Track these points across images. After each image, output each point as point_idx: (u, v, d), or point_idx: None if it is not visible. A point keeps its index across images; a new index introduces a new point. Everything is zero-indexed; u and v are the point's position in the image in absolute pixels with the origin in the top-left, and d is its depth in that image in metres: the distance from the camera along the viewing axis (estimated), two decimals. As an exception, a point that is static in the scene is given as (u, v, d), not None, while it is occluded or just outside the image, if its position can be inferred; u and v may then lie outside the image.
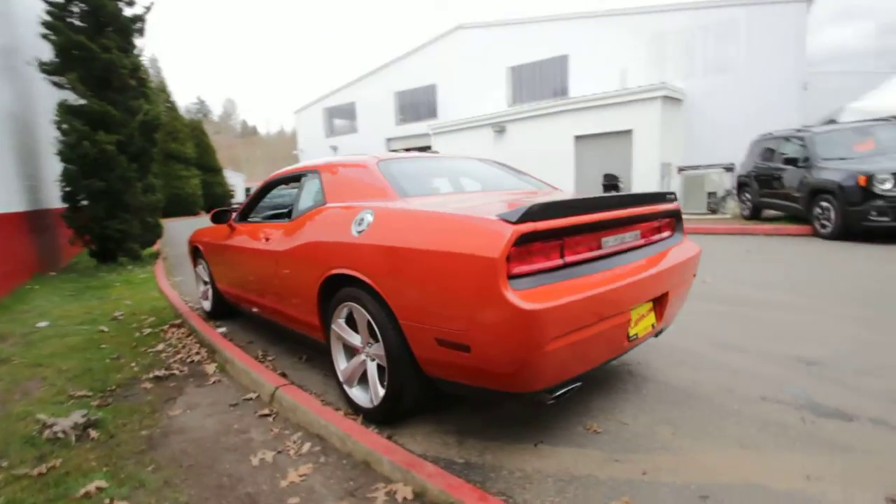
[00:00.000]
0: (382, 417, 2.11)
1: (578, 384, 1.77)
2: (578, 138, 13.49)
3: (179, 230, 13.57)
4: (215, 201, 25.16)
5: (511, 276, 1.54)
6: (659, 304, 2.11)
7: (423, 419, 2.15)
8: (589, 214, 1.77)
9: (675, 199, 2.36)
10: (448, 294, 1.66)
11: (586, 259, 1.79)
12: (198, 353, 3.19)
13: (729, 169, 11.12)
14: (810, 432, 1.90)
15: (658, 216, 2.24)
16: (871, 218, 5.66)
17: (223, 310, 4.08)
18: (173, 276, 6.46)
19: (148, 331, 3.78)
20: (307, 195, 2.81)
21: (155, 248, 9.25)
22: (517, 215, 1.57)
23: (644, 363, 2.67)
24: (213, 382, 2.71)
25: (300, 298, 2.54)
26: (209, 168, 26.83)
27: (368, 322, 2.08)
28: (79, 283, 6.05)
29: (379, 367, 2.11)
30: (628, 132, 12.50)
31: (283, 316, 2.84)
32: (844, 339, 2.86)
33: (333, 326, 2.31)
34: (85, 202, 6.95)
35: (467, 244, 1.60)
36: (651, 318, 2.07)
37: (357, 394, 2.26)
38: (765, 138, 8.42)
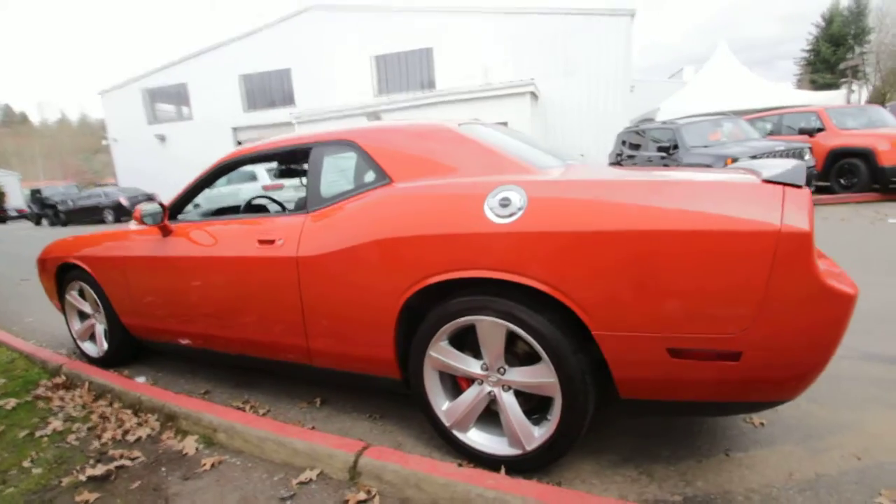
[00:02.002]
0: (537, 465, 1.57)
1: None
2: (456, 130, 13.66)
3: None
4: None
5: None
6: None
7: (568, 456, 1.67)
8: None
9: None
10: (711, 288, 1.24)
11: None
12: (141, 425, 2.06)
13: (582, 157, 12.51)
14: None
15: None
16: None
17: (124, 352, 2.82)
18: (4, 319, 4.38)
19: (11, 403, 2.34)
20: (336, 175, 2.02)
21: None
22: (793, 178, 1.25)
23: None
24: (213, 466, 1.73)
25: (357, 321, 1.78)
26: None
27: (509, 340, 1.52)
28: None
29: (518, 397, 1.57)
30: (504, 124, 13.08)
31: (284, 348, 2.01)
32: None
33: (432, 353, 1.65)
34: None
35: (751, 217, 1.21)
36: None
37: (478, 439, 1.66)
38: (631, 130, 9.60)
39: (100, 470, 1.72)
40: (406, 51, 16.97)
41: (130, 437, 1.96)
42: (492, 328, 1.53)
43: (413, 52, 16.96)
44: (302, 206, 2.00)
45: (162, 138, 20.45)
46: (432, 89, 16.32)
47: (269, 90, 19.06)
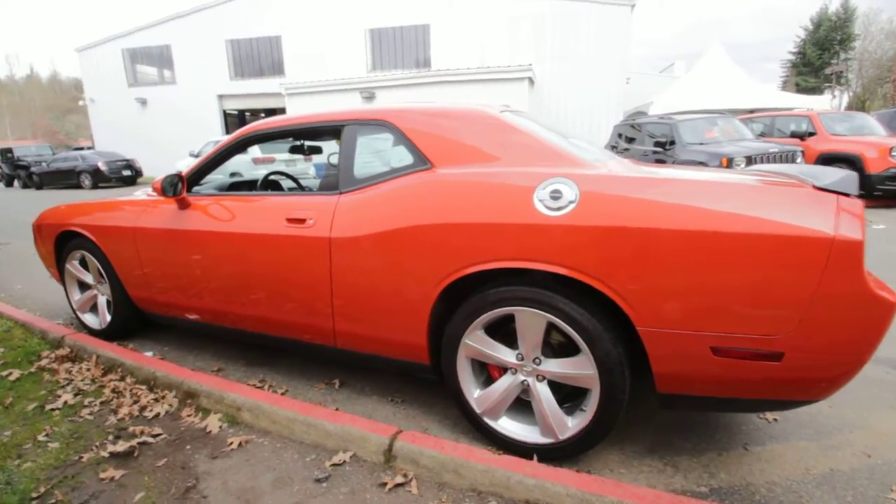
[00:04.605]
0: (569, 454, 1.61)
1: None
2: (452, 111, 13.50)
3: None
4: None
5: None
6: None
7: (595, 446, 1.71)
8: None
9: None
10: (760, 291, 1.27)
11: None
12: (158, 401, 2.02)
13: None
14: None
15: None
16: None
17: (129, 325, 2.75)
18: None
19: (15, 374, 2.27)
20: (370, 155, 1.97)
21: None
22: (845, 187, 1.29)
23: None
24: (240, 445, 1.72)
25: (390, 306, 1.77)
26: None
27: (549, 331, 1.54)
28: None
29: (551, 386, 1.60)
30: (499, 109, 12.99)
31: (307, 328, 2.00)
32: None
33: (468, 341, 1.66)
34: None
35: (806, 224, 1.23)
36: None
37: (510, 427, 1.69)
38: (627, 122, 9.65)
39: (121, 446, 1.69)
40: (403, 26, 16.56)
41: (148, 414, 1.92)
42: (532, 319, 1.55)
43: (409, 28, 16.56)
44: (333, 186, 1.95)
45: (143, 102, 19.62)
46: (428, 68, 16.01)
47: (257, 58, 18.41)
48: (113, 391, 2.10)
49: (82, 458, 1.67)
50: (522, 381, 1.63)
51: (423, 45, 16.59)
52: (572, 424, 1.57)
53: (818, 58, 35.06)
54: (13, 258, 5.02)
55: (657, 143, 8.14)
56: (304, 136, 2.25)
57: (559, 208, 1.46)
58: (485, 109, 1.84)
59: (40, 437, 1.78)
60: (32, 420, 1.92)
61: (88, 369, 2.30)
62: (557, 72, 15.34)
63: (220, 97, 18.96)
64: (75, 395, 2.09)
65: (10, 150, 18.49)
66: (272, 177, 2.73)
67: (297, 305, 2.02)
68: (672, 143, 7.90)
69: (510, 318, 1.61)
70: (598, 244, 1.41)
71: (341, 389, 2.18)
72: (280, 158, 10.07)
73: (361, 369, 2.32)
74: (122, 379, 2.19)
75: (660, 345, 1.41)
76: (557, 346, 1.62)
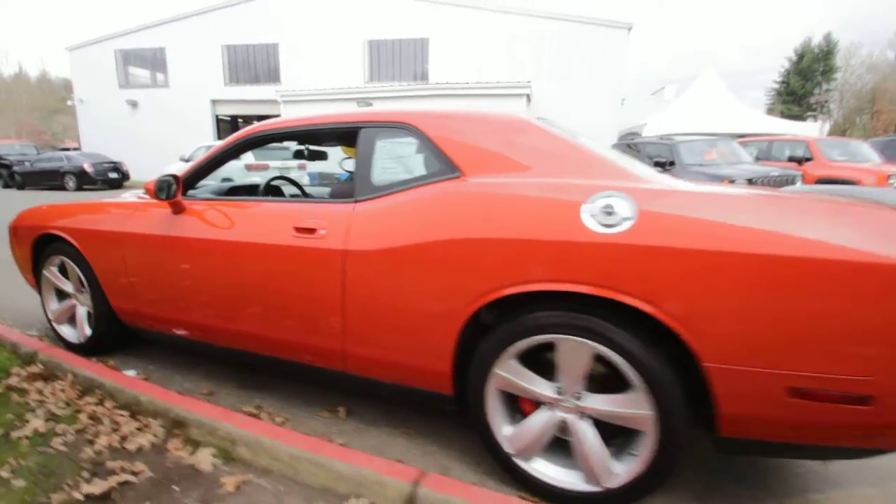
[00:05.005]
0: (617, 503, 1.42)
1: None
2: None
3: None
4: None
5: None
6: None
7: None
8: None
9: None
10: (846, 324, 1.12)
11: None
12: (142, 430, 1.78)
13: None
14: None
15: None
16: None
17: (110, 339, 2.51)
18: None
19: (-21, 394, 2.01)
20: (389, 161, 1.80)
21: None
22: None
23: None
24: (237, 487, 1.50)
25: (412, 328, 1.58)
26: None
27: (592, 362, 1.37)
28: None
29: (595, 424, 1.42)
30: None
31: (312, 349, 1.80)
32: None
33: (499, 371, 1.48)
34: None
35: None
36: None
37: (545, 470, 1.49)
38: (625, 143, 9.65)
39: (98, 486, 1.45)
40: (402, 39, 16.58)
41: (130, 446, 1.69)
42: (576, 348, 1.37)
43: (409, 41, 16.59)
44: (347, 194, 1.77)
45: (134, 104, 19.26)
46: (425, 81, 16.01)
47: (253, 64, 18.24)
48: (90, 417, 1.86)
49: (51, 499, 1.43)
50: (562, 419, 1.45)
51: (422, 59, 16.62)
52: (620, 471, 1.38)
53: (801, 87, 36.11)
54: (-13, 261, 4.70)
55: (657, 164, 8.10)
56: (315, 139, 2.08)
57: (612, 225, 1.30)
58: (518, 115, 1.69)
59: (3, 473, 1.54)
60: (5, 448, 1.67)
61: (63, 390, 2.05)
62: (555, 91, 15.44)
63: (214, 102, 18.70)
64: (46, 420, 1.84)
65: (-9, 149, 17.91)
66: (276, 182, 2.54)
67: (301, 324, 1.82)
68: (672, 163, 7.88)
69: (546, 347, 1.44)
70: (659, 268, 1.24)
71: (348, 419, 1.96)
72: (273, 165, 9.85)
73: (367, 394, 2.12)
74: (101, 403, 1.95)
75: (728, 383, 1.24)
76: (603, 381, 1.44)
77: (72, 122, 21.67)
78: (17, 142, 20.70)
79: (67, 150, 19.30)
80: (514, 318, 1.44)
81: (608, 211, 1.32)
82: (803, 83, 36.40)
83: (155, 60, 19.30)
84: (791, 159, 8.18)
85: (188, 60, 18.50)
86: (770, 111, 38.00)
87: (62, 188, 14.53)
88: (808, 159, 8.08)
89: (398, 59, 16.92)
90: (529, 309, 1.42)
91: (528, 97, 13.63)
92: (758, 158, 9.20)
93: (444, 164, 1.63)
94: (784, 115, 34.02)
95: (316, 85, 15.81)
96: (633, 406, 1.33)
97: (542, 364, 1.47)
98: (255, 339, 1.96)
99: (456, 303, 1.49)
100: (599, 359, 1.36)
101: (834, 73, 36.38)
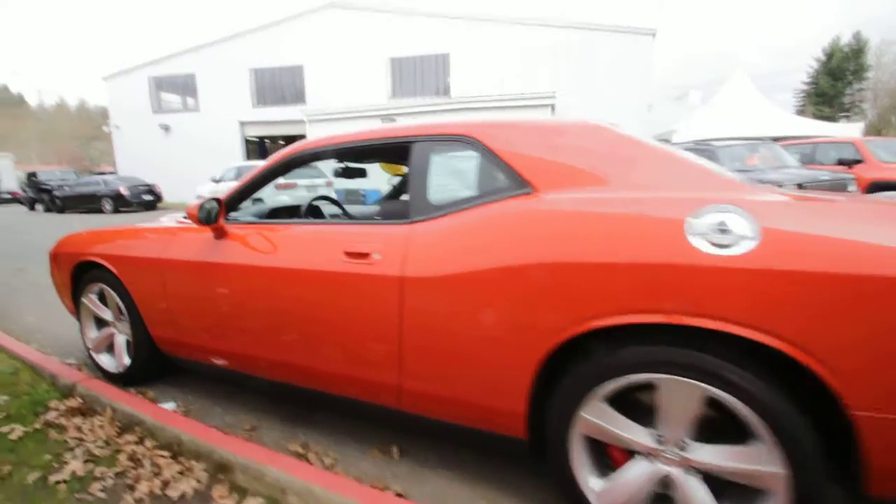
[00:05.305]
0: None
1: None
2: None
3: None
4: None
5: None
6: None
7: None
8: None
9: None
10: None
11: None
12: (184, 474, 1.65)
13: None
14: None
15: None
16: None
17: (149, 368, 2.41)
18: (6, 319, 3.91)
19: (17, 431, 1.92)
20: (448, 178, 1.65)
21: None
22: None
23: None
24: (289, 545, 1.34)
25: (482, 363, 1.41)
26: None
27: (701, 406, 1.16)
28: None
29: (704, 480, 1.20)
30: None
31: (365, 384, 1.64)
32: None
33: (586, 414, 1.29)
34: None
35: None
36: None
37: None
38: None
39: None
40: (423, 55, 16.72)
41: (173, 493, 1.55)
42: (682, 390, 1.17)
43: (430, 57, 16.71)
44: (401, 214, 1.63)
45: (166, 128, 19.92)
46: (447, 96, 16.05)
47: (279, 86, 18.67)
48: (130, 458, 1.74)
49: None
50: (664, 472, 1.24)
51: (443, 74, 16.70)
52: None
53: (832, 87, 34.90)
54: (28, 285, 4.77)
55: (695, 170, 7.81)
56: (363, 155, 1.96)
57: (727, 245, 1.11)
58: (597, 121, 1.52)
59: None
60: (32, 497, 1.56)
61: (102, 426, 1.94)
62: (578, 101, 15.22)
63: (242, 124, 19.18)
64: (85, 461, 1.73)
65: (34, 174, 18.76)
66: (317, 202, 2.42)
67: (352, 356, 1.67)
68: (711, 170, 7.56)
69: (641, 388, 1.24)
70: (792, 296, 1.04)
71: (402, 459, 1.79)
72: (301, 184, 9.89)
73: (420, 432, 1.94)
74: (141, 441, 1.83)
75: (881, 435, 1.02)
76: (715, 429, 1.23)
77: (108, 148, 22.58)
78: (59, 168, 21.69)
79: (104, 174, 20.05)
80: (606, 355, 1.25)
81: (722, 229, 1.12)
82: (833, 83, 35.19)
83: (186, 86, 19.98)
84: (840, 162, 7.73)
85: (217, 84, 19.08)
86: (800, 113, 36.81)
87: (100, 210, 15.03)
88: (857, 161, 7.63)
89: (420, 74, 17.05)
90: (623, 343, 1.24)
91: (553, 108, 13.44)
92: (801, 163, 8.77)
93: (512, 180, 1.47)
94: (816, 117, 32.90)
95: (341, 103, 16.03)
96: (756, 461, 1.12)
97: (631, 406, 1.28)
98: (303, 371, 1.82)
99: (534, 335, 1.31)
100: (712, 403, 1.16)
101: (865, 72, 35.06)
